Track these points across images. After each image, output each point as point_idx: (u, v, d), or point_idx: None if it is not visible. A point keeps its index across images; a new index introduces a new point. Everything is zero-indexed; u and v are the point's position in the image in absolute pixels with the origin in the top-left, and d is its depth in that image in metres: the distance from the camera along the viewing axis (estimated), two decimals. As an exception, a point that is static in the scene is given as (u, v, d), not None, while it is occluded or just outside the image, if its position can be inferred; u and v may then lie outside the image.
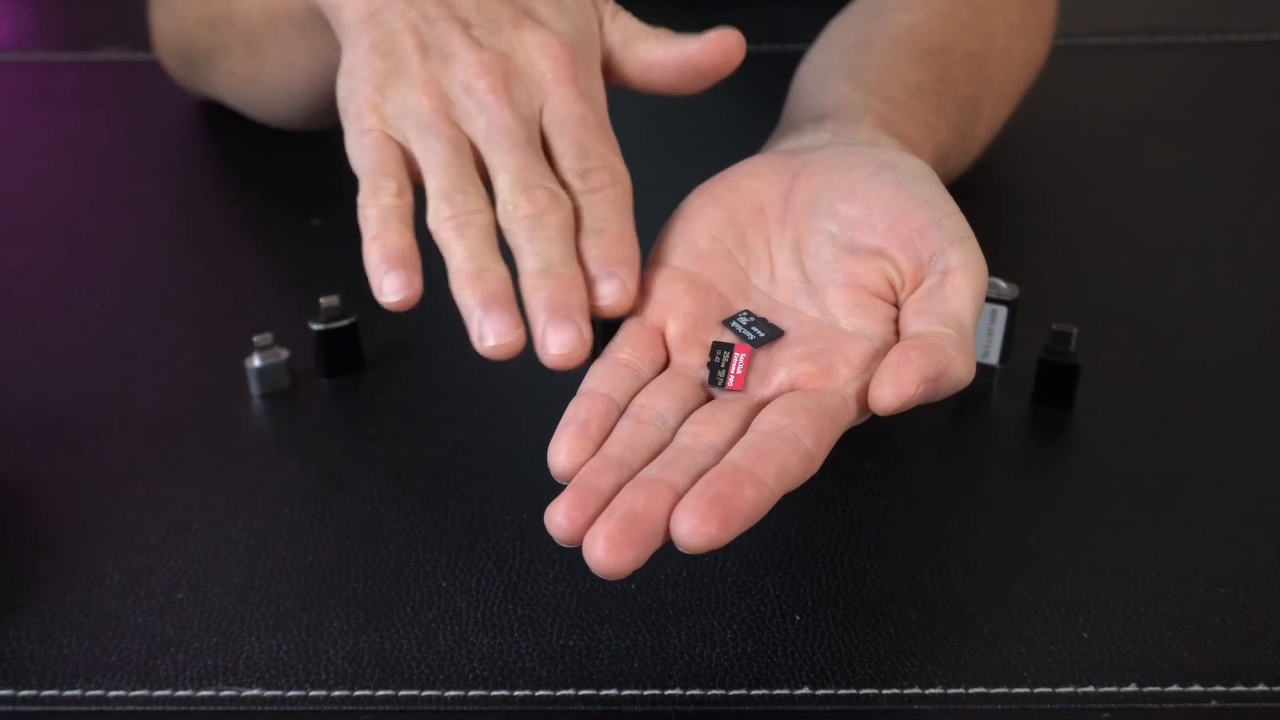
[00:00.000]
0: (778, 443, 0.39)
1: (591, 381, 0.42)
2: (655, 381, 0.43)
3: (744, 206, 0.46)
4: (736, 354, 0.42)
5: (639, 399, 0.42)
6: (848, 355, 0.42)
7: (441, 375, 0.57)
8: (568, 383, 0.56)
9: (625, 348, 0.43)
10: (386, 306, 0.43)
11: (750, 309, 0.44)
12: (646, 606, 0.45)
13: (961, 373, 0.40)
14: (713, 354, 0.42)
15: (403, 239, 0.44)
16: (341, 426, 0.54)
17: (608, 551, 0.36)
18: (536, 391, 0.56)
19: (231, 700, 0.42)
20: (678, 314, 0.44)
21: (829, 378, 0.41)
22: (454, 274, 0.43)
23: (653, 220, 0.47)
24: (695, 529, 0.36)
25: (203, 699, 0.42)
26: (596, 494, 0.38)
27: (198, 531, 0.48)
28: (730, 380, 0.42)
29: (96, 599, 0.46)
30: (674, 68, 0.49)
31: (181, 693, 0.42)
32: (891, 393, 0.39)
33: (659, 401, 0.41)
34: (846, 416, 0.41)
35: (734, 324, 0.43)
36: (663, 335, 0.44)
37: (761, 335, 0.43)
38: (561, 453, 0.40)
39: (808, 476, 0.39)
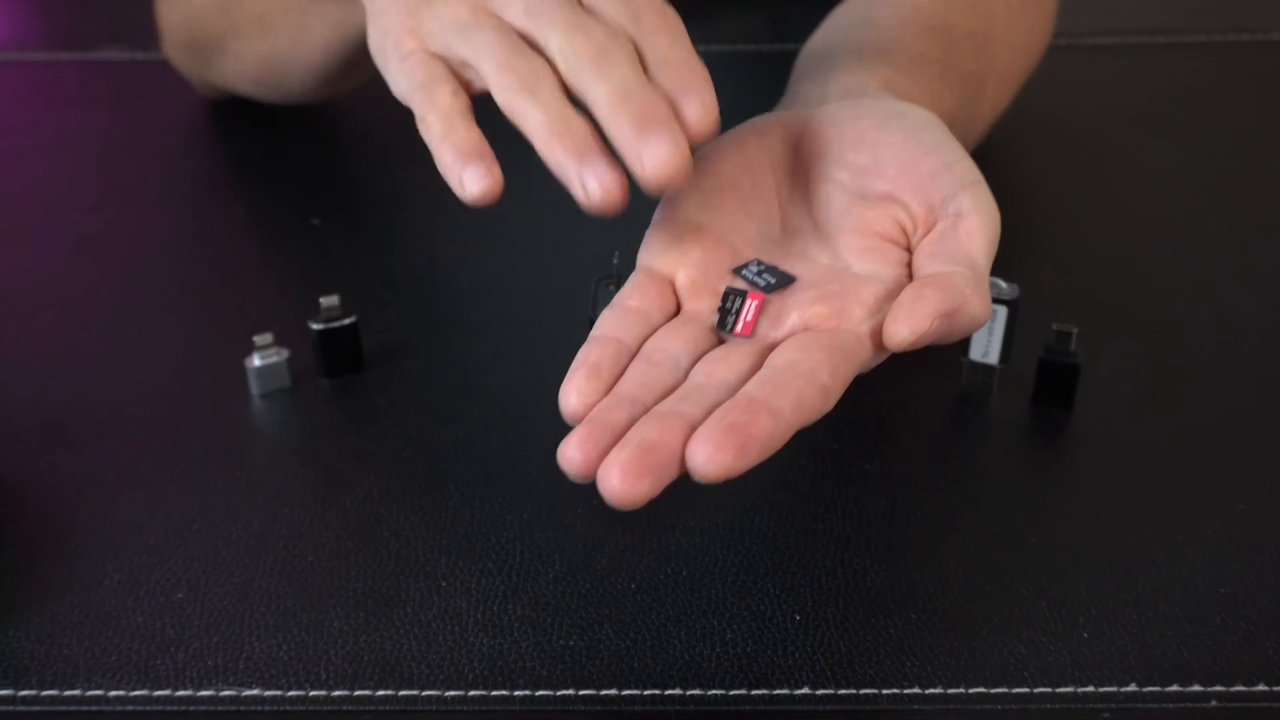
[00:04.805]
0: (793, 375, 0.38)
1: (601, 328, 0.42)
2: (666, 326, 0.42)
3: (752, 161, 0.46)
4: (748, 300, 0.42)
5: (650, 343, 0.42)
6: (861, 296, 0.42)
7: (441, 375, 0.57)
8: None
9: (635, 296, 0.43)
10: (469, 201, 0.42)
11: (761, 258, 0.44)
12: (646, 606, 0.45)
13: (976, 310, 0.40)
14: (724, 300, 0.42)
15: (470, 131, 0.42)
16: (341, 426, 0.54)
17: (623, 480, 0.36)
18: (536, 391, 0.56)
19: (231, 700, 0.42)
20: (687, 263, 0.44)
21: (843, 318, 0.41)
22: (536, 136, 0.41)
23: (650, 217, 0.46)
24: (711, 457, 0.36)
25: (203, 699, 0.42)
26: (610, 428, 0.38)
27: (198, 531, 0.48)
28: (740, 325, 0.42)
29: (96, 599, 0.46)
30: None
31: (181, 693, 0.42)
32: (907, 327, 0.39)
33: (671, 344, 0.41)
34: (862, 354, 0.40)
35: (744, 272, 0.43)
36: (672, 285, 0.44)
37: (773, 282, 0.43)
38: (573, 394, 0.40)
39: (823, 412, 0.38)
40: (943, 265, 0.41)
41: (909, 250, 0.43)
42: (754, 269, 0.43)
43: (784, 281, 0.43)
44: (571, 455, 0.37)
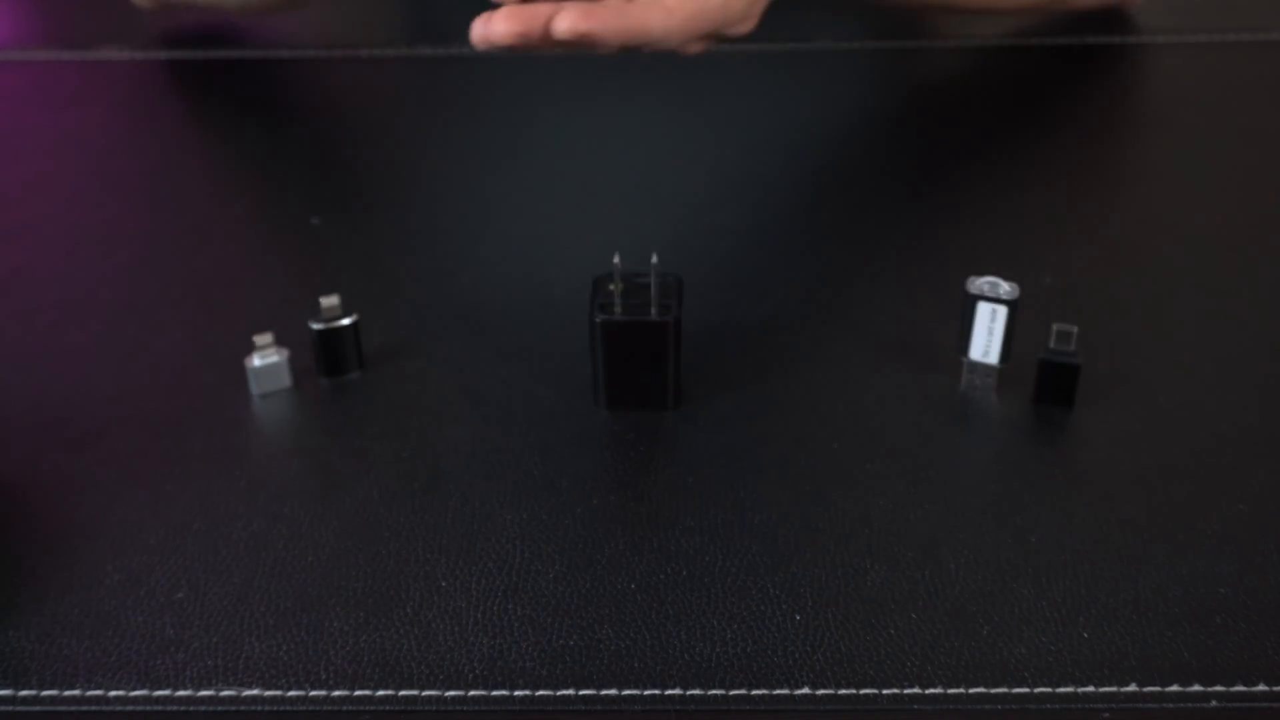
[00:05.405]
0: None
1: None
2: None
3: None
4: None
5: None
6: None
7: (441, 375, 0.57)
8: (569, 386, 0.56)
9: None
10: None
11: None
12: (646, 606, 0.45)
13: None
14: None
15: None
16: (341, 426, 0.54)
17: (502, 21, 0.54)
18: (537, 391, 0.56)
19: (231, 700, 0.42)
20: None
21: None
22: None
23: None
24: (565, 16, 0.53)
25: (203, 699, 0.42)
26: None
27: (198, 531, 0.48)
28: None
29: (96, 599, 0.46)
30: None
31: (181, 693, 0.42)
32: None
33: None
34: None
35: None
36: None
37: None
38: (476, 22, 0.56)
39: (666, 31, 0.57)
40: None
41: None
42: None
43: None
44: (475, 28, 0.55)
